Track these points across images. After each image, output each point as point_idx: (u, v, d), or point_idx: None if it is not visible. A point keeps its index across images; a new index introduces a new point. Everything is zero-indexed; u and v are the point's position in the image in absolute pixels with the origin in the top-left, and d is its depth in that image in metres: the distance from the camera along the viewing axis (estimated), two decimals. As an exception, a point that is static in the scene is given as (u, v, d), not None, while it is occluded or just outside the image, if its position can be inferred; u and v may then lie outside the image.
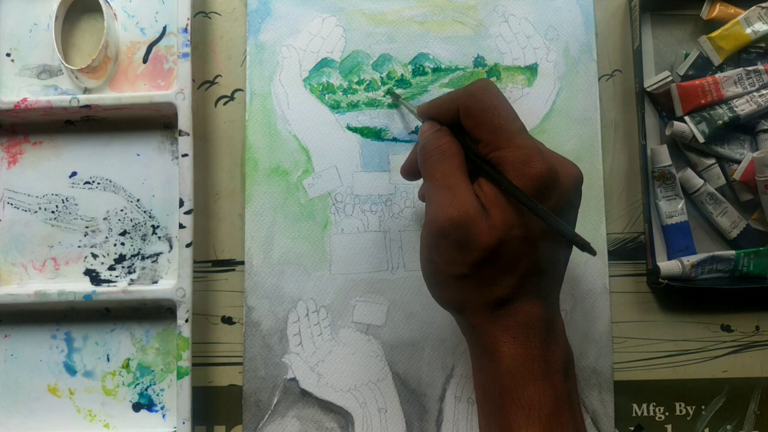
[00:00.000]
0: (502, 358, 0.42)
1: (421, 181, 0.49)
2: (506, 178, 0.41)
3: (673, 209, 0.55)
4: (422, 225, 0.45)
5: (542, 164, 0.41)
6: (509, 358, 0.42)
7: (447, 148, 0.45)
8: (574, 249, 0.43)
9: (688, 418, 0.55)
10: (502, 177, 0.42)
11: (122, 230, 0.55)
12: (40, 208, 0.56)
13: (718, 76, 0.55)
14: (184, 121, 0.54)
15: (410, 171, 0.50)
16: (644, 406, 0.55)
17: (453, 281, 0.43)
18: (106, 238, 0.55)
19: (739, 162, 0.55)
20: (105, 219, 0.55)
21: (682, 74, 0.56)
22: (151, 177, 0.56)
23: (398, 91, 0.57)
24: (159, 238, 0.55)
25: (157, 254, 0.55)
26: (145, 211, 0.56)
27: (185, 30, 0.55)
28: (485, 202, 0.42)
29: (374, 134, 0.56)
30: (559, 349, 0.43)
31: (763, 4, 0.56)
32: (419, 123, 0.51)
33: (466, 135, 0.45)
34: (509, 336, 0.42)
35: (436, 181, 0.44)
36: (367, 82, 0.57)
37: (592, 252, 0.39)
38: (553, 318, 0.44)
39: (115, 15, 0.57)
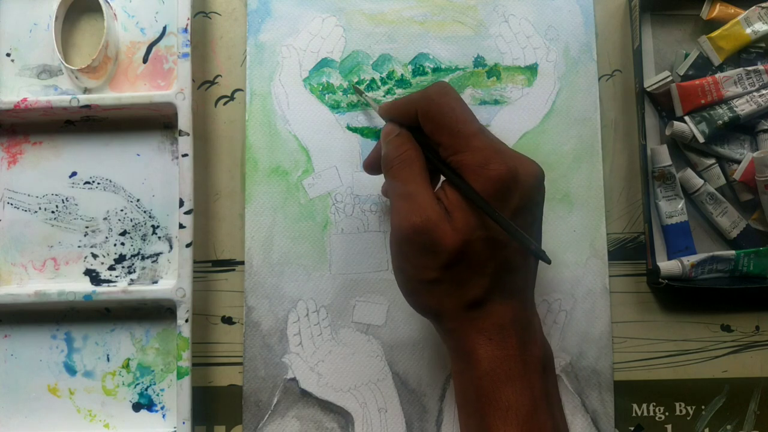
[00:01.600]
0: (479, 360, 0.42)
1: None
2: (464, 182, 0.42)
3: (673, 209, 0.55)
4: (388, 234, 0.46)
5: (501, 165, 0.41)
6: (486, 360, 0.42)
7: (407, 155, 0.45)
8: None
9: (688, 418, 0.55)
10: (460, 181, 0.42)
11: (122, 230, 0.55)
12: (40, 208, 0.56)
13: (718, 76, 0.55)
14: (184, 121, 0.54)
15: (372, 166, 0.51)
16: (644, 406, 0.55)
17: (425, 287, 0.44)
18: (106, 238, 0.55)
19: (739, 162, 0.55)
20: (105, 219, 0.55)
21: (682, 74, 0.56)
22: (151, 177, 0.56)
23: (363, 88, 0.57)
24: (159, 238, 0.55)
25: (157, 254, 0.55)
26: (145, 211, 0.56)
27: (185, 30, 0.55)
28: (448, 205, 0.42)
29: (374, 134, 0.56)
30: (536, 347, 0.43)
31: (763, 4, 0.56)
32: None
33: (428, 138, 0.45)
34: (485, 338, 0.42)
35: (397, 189, 0.45)
36: (367, 82, 0.57)
37: (546, 260, 0.40)
38: (529, 316, 0.44)
39: (115, 15, 0.57)
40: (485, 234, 0.42)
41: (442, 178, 0.45)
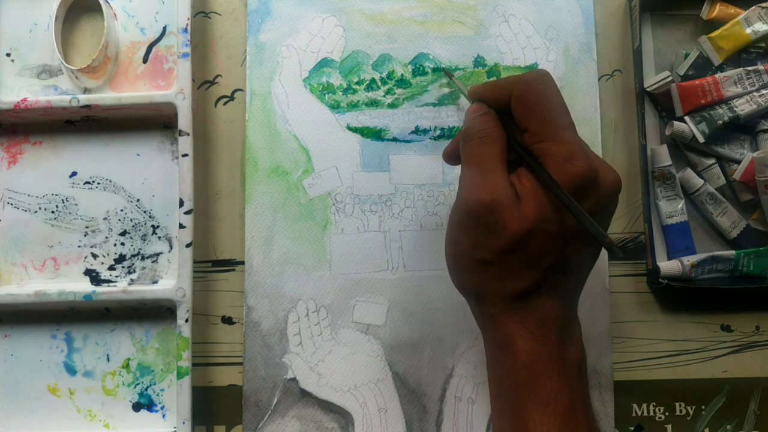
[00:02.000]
0: (519, 352, 0.42)
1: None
2: (545, 170, 0.41)
3: (673, 209, 0.55)
4: (453, 205, 0.45)
5: (584, 163, 0.41)
6: (525, 353, 0.42)
7: (490, 132, 0.44)
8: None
9: (688, 418, 0.55)
10: (541, 169, 0.42)
11: (122, 230, 0.56)
12: (40, 208, 0.56)
13: (718, 76, 0.55)
14: (184, 121, 0.54)
15: (452, 154, 0.49)
16: (644, 406, 0.55)
17: (476, 266, 0.43)
18: (106, 238, 0.55)
19: (739, 162, 0.55)
20: (105, 219, 0.56)
21: (682, 74, 0.57)
22: (151, 177, 0.56)
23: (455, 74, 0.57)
24: (159, 238, 0.55)
25: (157, 254, 0.55)
26: (145, 211, 0.56)
27: (185, 30, 0.55)
28: (521, 191, 0.42)
29: (374, 134, 0.56)
30: (576, 348, 0.43)
31: (763, 4, 0.56)
32: (469, 104, 0.50)
33: (513, 123, 0.44)
34: (526, 330, 0.42)
35: (473, 164, 0.44)
36: (367, 82, 0.57)
37: (618, 255, 0.40)
38: (571, 318, 0.44)
39: (115, 15, 0.57)
40: (552, 228, 0.41)
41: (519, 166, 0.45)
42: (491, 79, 0.57)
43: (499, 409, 0.44)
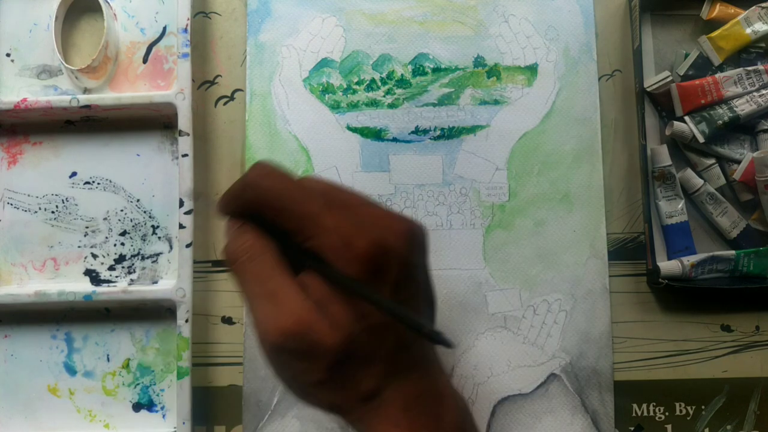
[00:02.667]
0: None
1: None
2: (331, 267, 0.36)
3: (673, 209, 0.55)
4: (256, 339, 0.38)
5: (364, 241, 0.36)
6: None
7: (252, 245, 0.38)
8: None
9: (688, 418, 0.55)
10: (326, 268, 0.36)
11: (122, 230, 0.56)
12: (40, 209, 0.56)
13: (718, 76, 0.56)
14: (184, 121, 0.55)
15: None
16: (644, 406, 0.55)
17: (312, 389, 0.38)
18: (106, 238, 0.56)
19: (739, 162, 0.56)
20: (105, 219, 0.56)
21: (682, 74, 0.57)
22: (151, 177, 0.57)
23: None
24: (159, 238, 0.56)
25: (157, 254, 0.56)
26: (145, 211, 0.56)
27: (185, 30, 0.55)
28: (319, 299, 0.36)
29: (374, 134, 0.57)
30: (449, 413, 0.39)
31: (763, 4, 0.56)
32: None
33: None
34: (392, 424, 0.38)
35: (253, 290, 0.38)
36: (367, 82, 0.57)
37: (446, 343, 0.35)
38: (435, 382, 0.40)
39: (115, 15, 0.58)
40: (369, 323, 0.36)
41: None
42: (491, 79, 0.57)
43: None
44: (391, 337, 0.37)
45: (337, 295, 0.36)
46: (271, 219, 0.38)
